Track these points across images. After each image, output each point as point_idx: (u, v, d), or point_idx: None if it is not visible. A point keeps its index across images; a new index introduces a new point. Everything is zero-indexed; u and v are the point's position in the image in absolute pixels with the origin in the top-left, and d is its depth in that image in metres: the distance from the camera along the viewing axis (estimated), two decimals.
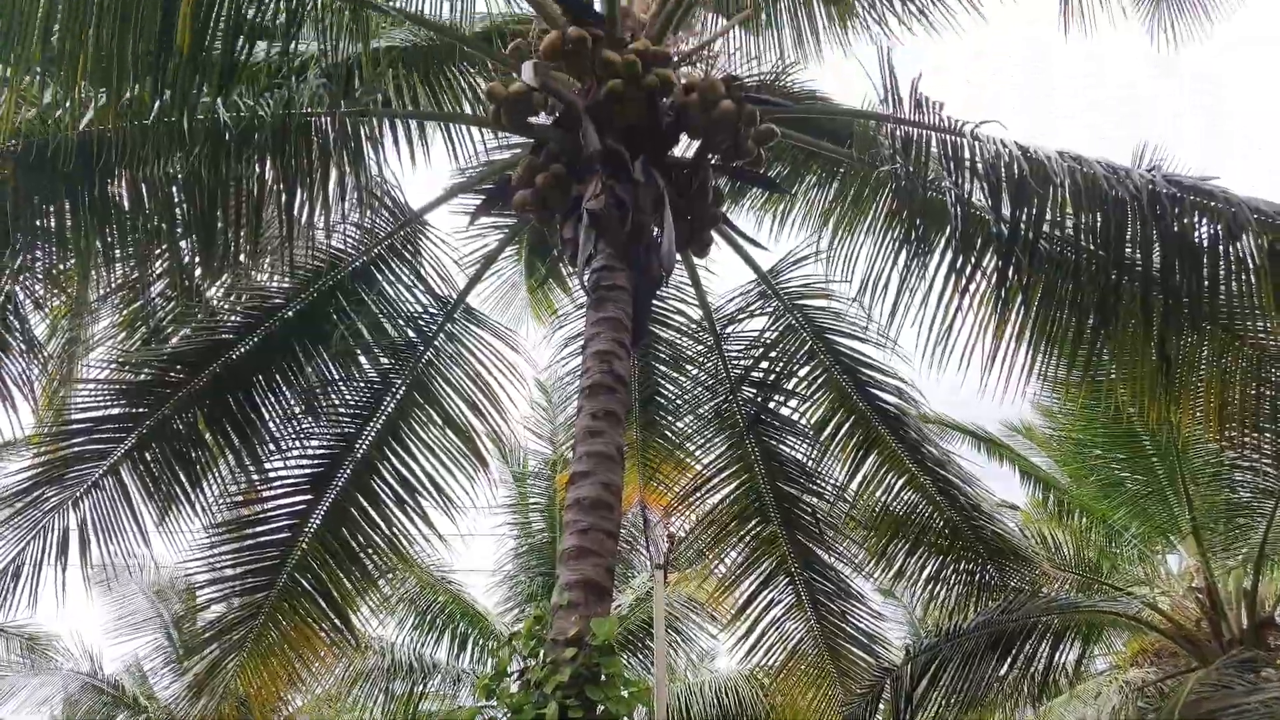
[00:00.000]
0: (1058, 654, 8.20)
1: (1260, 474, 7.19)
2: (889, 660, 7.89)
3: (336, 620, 7.50)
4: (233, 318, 6.81)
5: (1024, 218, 5.17)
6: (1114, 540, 8.90)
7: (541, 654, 4.60)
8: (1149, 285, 5.31)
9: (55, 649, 17.34)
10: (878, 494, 7.59)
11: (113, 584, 16.46)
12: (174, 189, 5.68)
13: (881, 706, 8.22)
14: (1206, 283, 5.21)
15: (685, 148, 6.20)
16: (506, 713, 4.43)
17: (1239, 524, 7.93)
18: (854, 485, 7.59)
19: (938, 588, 8.01)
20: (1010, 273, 5.44)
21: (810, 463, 7.77)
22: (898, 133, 5.45)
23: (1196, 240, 5.18)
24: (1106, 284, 5.37)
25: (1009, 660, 7.73)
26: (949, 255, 5.76)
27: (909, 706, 7.53)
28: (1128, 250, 5.25)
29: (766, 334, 7.52)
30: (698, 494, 8.06)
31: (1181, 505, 7.85)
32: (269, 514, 7.15)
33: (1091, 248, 5.34)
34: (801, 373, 7.56)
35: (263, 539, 7.12)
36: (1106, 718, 9.46)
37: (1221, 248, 5.11)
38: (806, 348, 7.41)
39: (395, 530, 7.30)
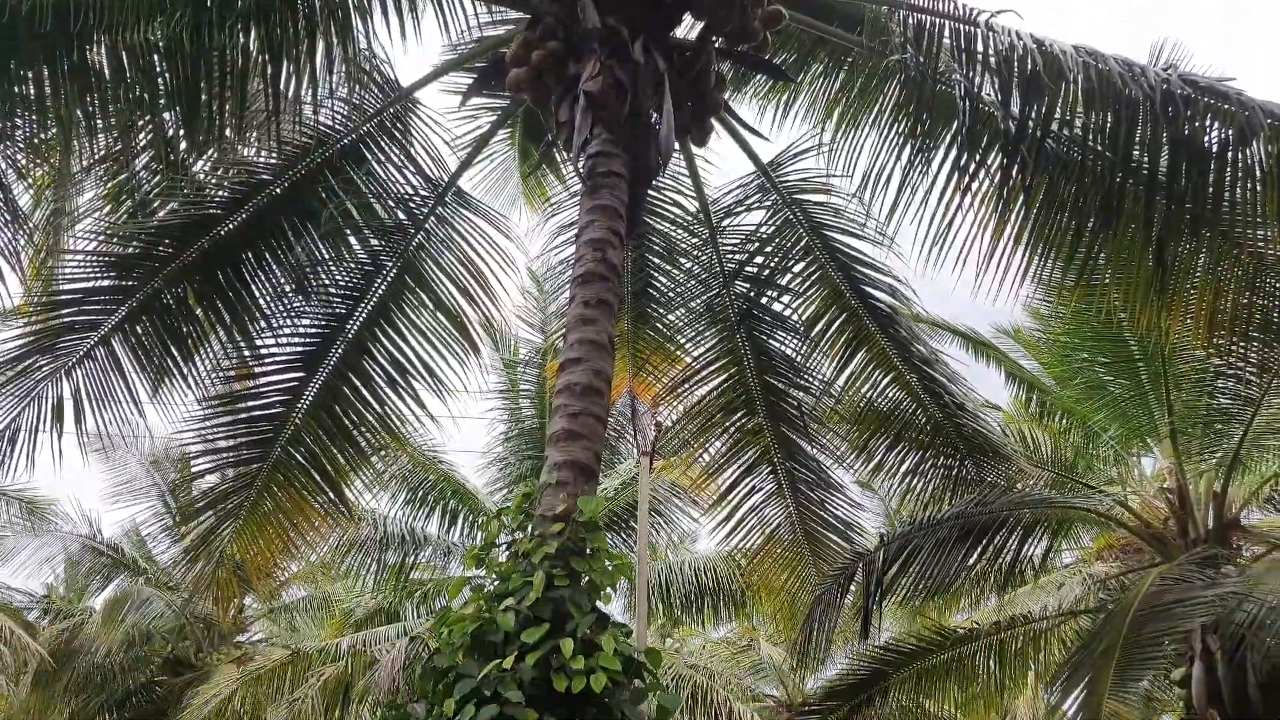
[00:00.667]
0: (1026, 547, 8.46)
1: (1243, 382, 7.28)
2: (863, 547, 8.12)
3: (330, 493, 7.66)
4: (220, 193, 6.71)
5: (1033, 115, 5.07)
6: (1092, 442, 9.07)
7: (529, 528, 4.74)
8: (1153, 189, 5.26)
9: (54, 513, 17.73)
10: (863, 390, 7.68)
11: (109, 452, 16.68)
12: (155, 57, 5.50)
13: (853, 589, 8.50)
14: (1211, 188, 5.16)
15: (688, 28, 6.02)
16: (495, 580, 4.59)
17: (1216, 429, 8.08)
18: (841, 381, 7.67)
19: (915, 481, 8.19)
20: (1015, 172, 5.38)
21: (799, 358, 7.82)
22: (910, 20, 5.30)
23: (1206, 144, 5.11)
24: (1110, 186, 5.32)
25: (979, 551, 7.99)
26: (954, 152, 5.68)
27: (879, 589, 7.80)
28: (1135, 152, 5.19)
29: (763, 228, 7.46)
30: (686, 385, 8.13)
31: (1162, 409, 7.98)
32: (261, 390, 7.20)
33: (1099, 148, 5.27)
34: (796, 268, 7.53)
35: (255, 413, 7.19)
36: (1067, 606, 9.83)
37: (1231, 153, 5.05)
38: (803, 243, 7.37)
39: (387, 410, 7.39)
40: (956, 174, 5.66)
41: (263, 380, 7.22)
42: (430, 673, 4.37)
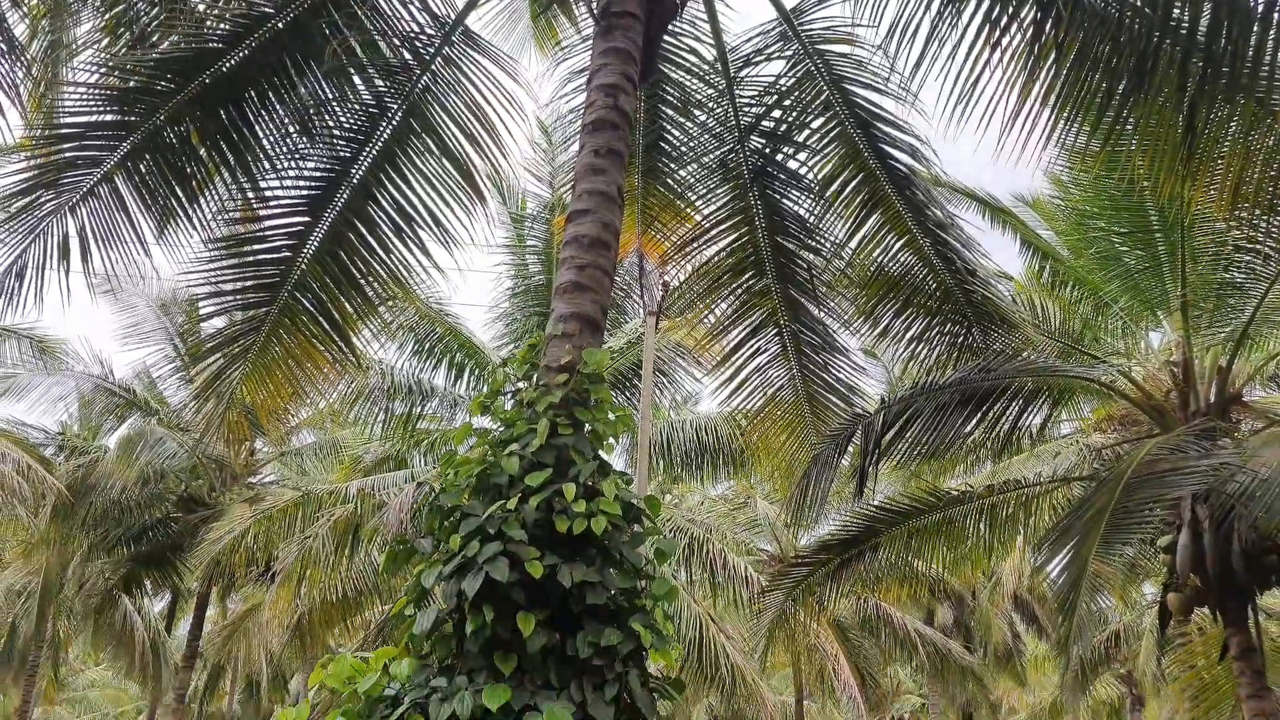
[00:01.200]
0: (1025, 415, 8.54)
1: (1261, 256, 7.19)
2: (864, 409, 8.20)
3: (337, 340, 7.69)
4: (220, 26, 6.47)
5: None
6: (1101, 313, 9.03)
7: (534, 378, 4.79)
8: (1190, 50, 5.04)
9: (65, 352, 17.96)
10: (875, 254, 7.59)
11: (117, 294, 16.80)
12: None
13: (851, 451, 8.64)
14: (1251, 51, 4.94)
15: None
16: (500, 427, 4.67)
17: (1228, 303, 8.02)
18: (853, 243, 7.58)
19: (920, 348, 8.21)
20: (1048, 27, 5.15)
21: (812, 219, 7.70)
22: None
23: (1252, 2, 4.86)
24: (1146, 46, 5.09)
25: (978, 417, 8.06)
26: (985, 3, 5.42)
27: (876, 451, 7.91)
28: (1176, 10, 4.94)
29: (782, 80, 7.20)
30: (695, 244, 8.04)
31: (1175, 282, 7.90)
32: (266, 233, 7.15)
33: (1138, 3, 5.02)
34: (814, 124, 7.32)
35: (261, 257, 7.16)
36: (1062, 474, 10.01)
37: (1277, 14, 4.80)
38: (822, 98, 7.13)
39: (394, 259, 7.34)
40: (987, 27, 5.42)
41: (268, 223, 7.15)
42: (436, 511, 4.49)
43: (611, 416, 4.72)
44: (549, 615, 4.21)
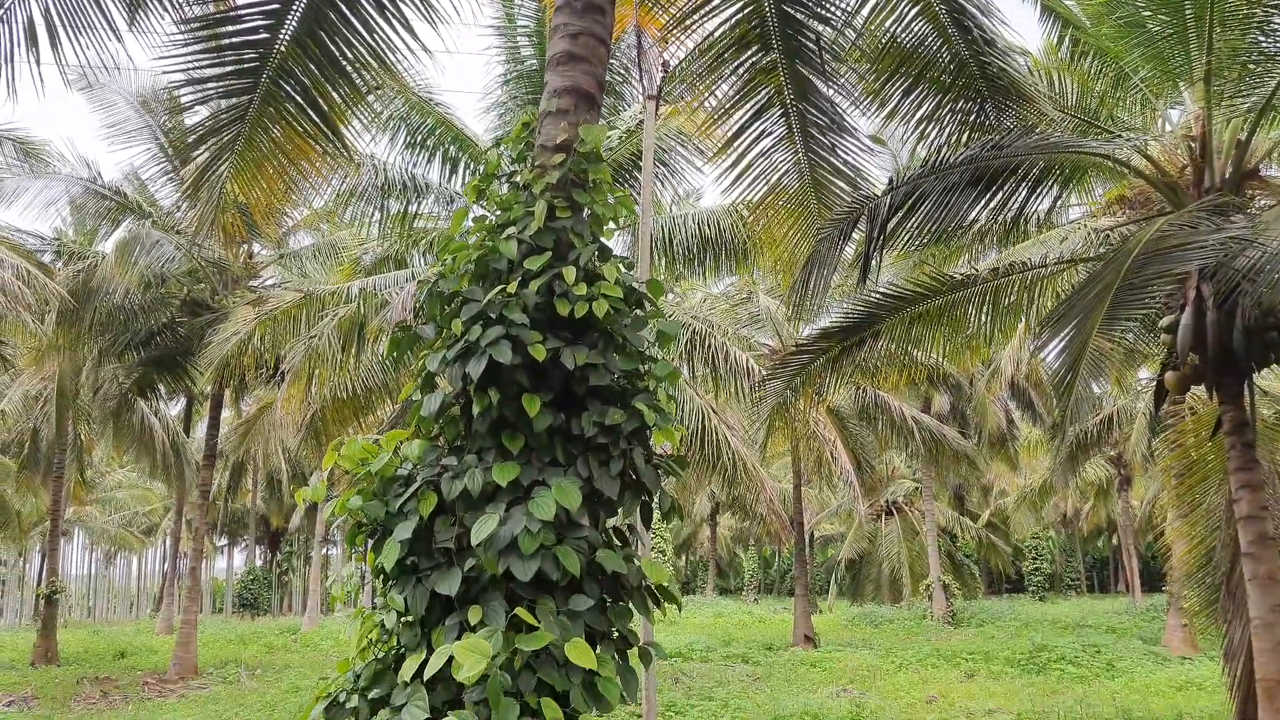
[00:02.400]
0: (1035, 197, 8.30)
1: None
2: (870, 193, 7.99)
3: (326, 131, 7.41)
4: None
5: None
6: (1120, 87, 8.62)
7: (529, 159, 4.61)
8: None
9: (50, 154, 17.51)
10: (887, 23, 7.15)
11: (95, 88, 16.16)
12: None
13: (855, 239, 8.51)
14: None
15: None
16: (495, 211, 4.55)
17: (1254, 73, 7.64)
18: (865, 10, 7.11)
19: (930, 128, 7.89)
20: None
21: None
22: None
23: None
24: None
25: (986, 198, 7.84)
26: None
27: (881, 235, 7.76)
28: None
29: None
30: (697, 16, 7.56)
31: (1200, 49, 7.47)
32: (241, 13, 6.72)
33: None
34: None
35: (238, 40, 6.76)
36: (1067, 254, 9.90)
37: None
38: None
39: (377, 39, 6.94)
40: None
41: (241, 2, 6.71)
42: (436, 297, 4.44)
43: (611, 199, 4.59)
44: (553, 397, 4.24)
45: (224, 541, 57.17)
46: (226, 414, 29.06)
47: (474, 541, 3.84)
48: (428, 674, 3.71)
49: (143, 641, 26.03)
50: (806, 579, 22.76)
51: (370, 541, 4.25)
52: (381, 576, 4.18)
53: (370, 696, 3.98)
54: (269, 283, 21.75)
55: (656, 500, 4.42)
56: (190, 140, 7.62)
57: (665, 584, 4.32)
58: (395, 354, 4.46)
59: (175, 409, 35.08)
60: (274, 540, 52.32)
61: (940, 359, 12.87)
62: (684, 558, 64.75)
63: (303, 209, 18.25)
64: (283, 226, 20.82)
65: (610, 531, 4.43)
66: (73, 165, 18.60)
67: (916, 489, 34.91)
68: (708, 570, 58.35)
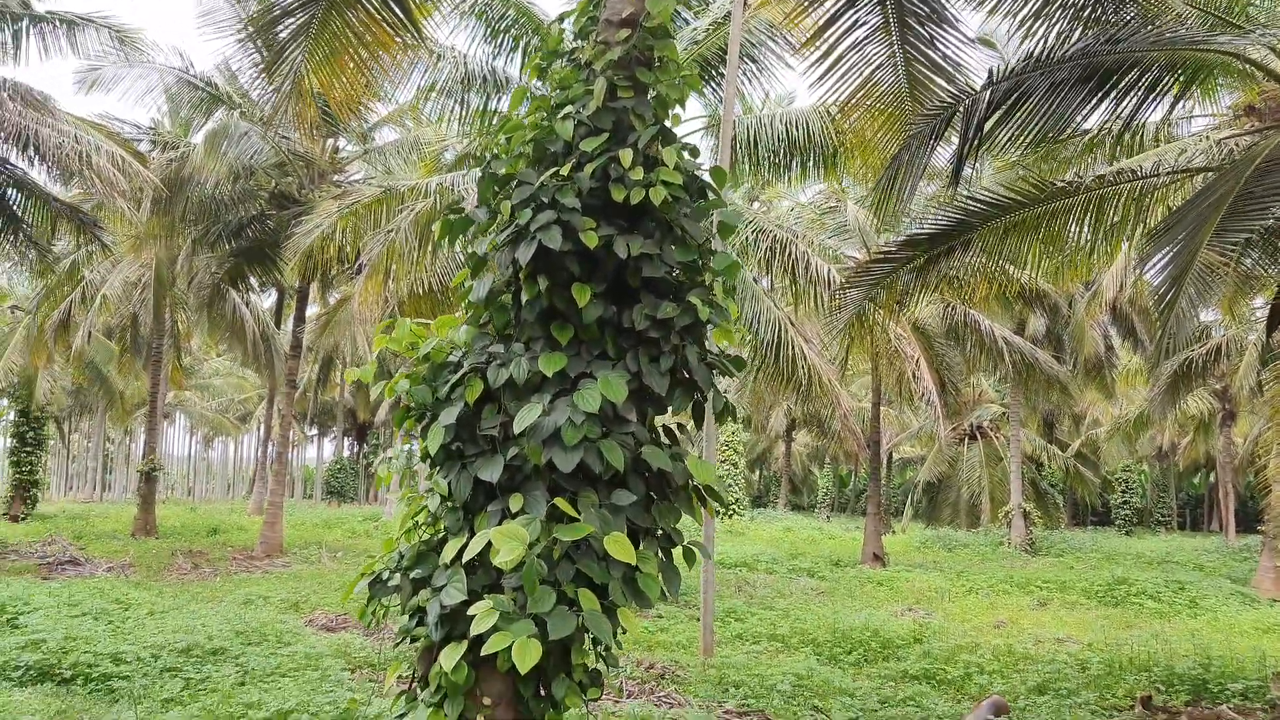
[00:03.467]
0: (1151, 100, 7.60)
1: None
2: (967, 87, 7.43)
3: (401, 16, 7.31)
4: None
5: None
6: None
7: (593, 34, 4.34)
8: None
9: (144, 43, 17.68)
10: None
11: None
12: None
13: (953, 142, 7.98)
14: None
15: None
16: (555, 91, 4.32)
17: None
18: None
19: (1038, 25, 7.30)
20: None
21: None
22: None
23: None
24: None
25: (1097, 97, 7.18)
26: None
27: (978, 135, 7.23)
28: None
29: None
30: None
31: None
32: None
33: None
34: None
35: None
36: (1181, 163, 9.15)
37: None
38: None
39: None
40: None
41: None
42: (490, 179, 4.26)
43: (677, 79, 4.30)
44: (605, 288, 4.06)
45: (314, 432, 59.46)
46: (315, 310, 29.80)
47: (516, 430, 3.74)
48: (466, 557, 3.66)
49: (235, 521, 27.38)
50: (880, 498, 22.52)
51: (420, 426, 4.20)
52: (429, 461, 4.13)
53: (413, 576, 3.97)
54: (355, 178, 21.92)
55: (710, 400, 4.24)
56: (264, 21, 7.50)
57: (712, 484, 4.17)
58: (448, 238, 4.30)
59: (267, 302, 36.15)
60: (361, 432, 54.18)
61: (1036, 276, 12.25)
62: (758, 472, 65.01)
63: (386, 104, 18.19)
64: (367, 121, 20.85)
65: (660, 430, 4.29)
66: (165, 54, 18.86)
67: (1003, 414, 34.06)
68: (780, 486, 58.51)
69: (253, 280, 23.60)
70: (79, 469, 64.53)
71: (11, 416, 27.21)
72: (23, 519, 25.67)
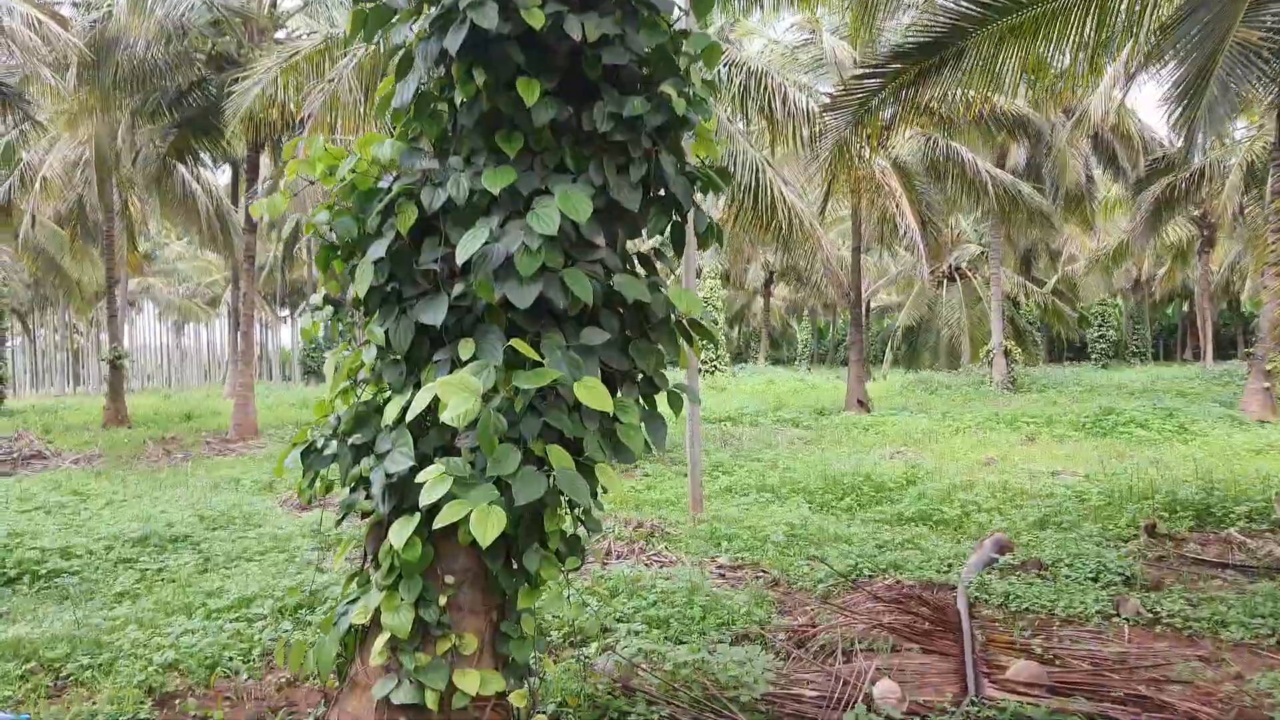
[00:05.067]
0: None
1: None
2: None
3: None
4: None
5: None
6: None
7: None
8: None
9: None
10: None
11: None
12: None
13: None
14: None
15: None
16: None
17: None
18: None
19: None
20: None
21: None
22: None
23: None
24: None
25: None
26: None
27: None
28: None
29: None
30: None
31: None
32: None
33: None
34: None
35: None
36: None
37: None
38: None
39: None
40: None
41: None
42: None
43: None
44: (559, 84, 3.33)
45: (285, 312, 58.44)
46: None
47: (460, 261, 3.09)
48: (410, 416, 3.08)
49: (209, 405, 26.88)
50: (863, 343, 22.18)
51: (348, 267, 3.54)
52: (361, 307, 3.50)
53: (352, 442, 3.39)
54: (298, 34, 20.39)
55: (690, 218, 3.59)
56: None
57: (698, 317, 3.57)
58: (361, 35, 3.52)
59: (224, 180, 34.61)
60: (336, 308, 53.20)
61: (1030, 92, 11.41)
62: (736, 329, 64.89)
63: None
64: None
65: (634, 258, 3.66)
66: None
67: (981, 254, 33.59)
68: (760, 341, 58.45)
69: (202, 155, 22.29)
70: (48, 364, 63.50)
71: None
72: None
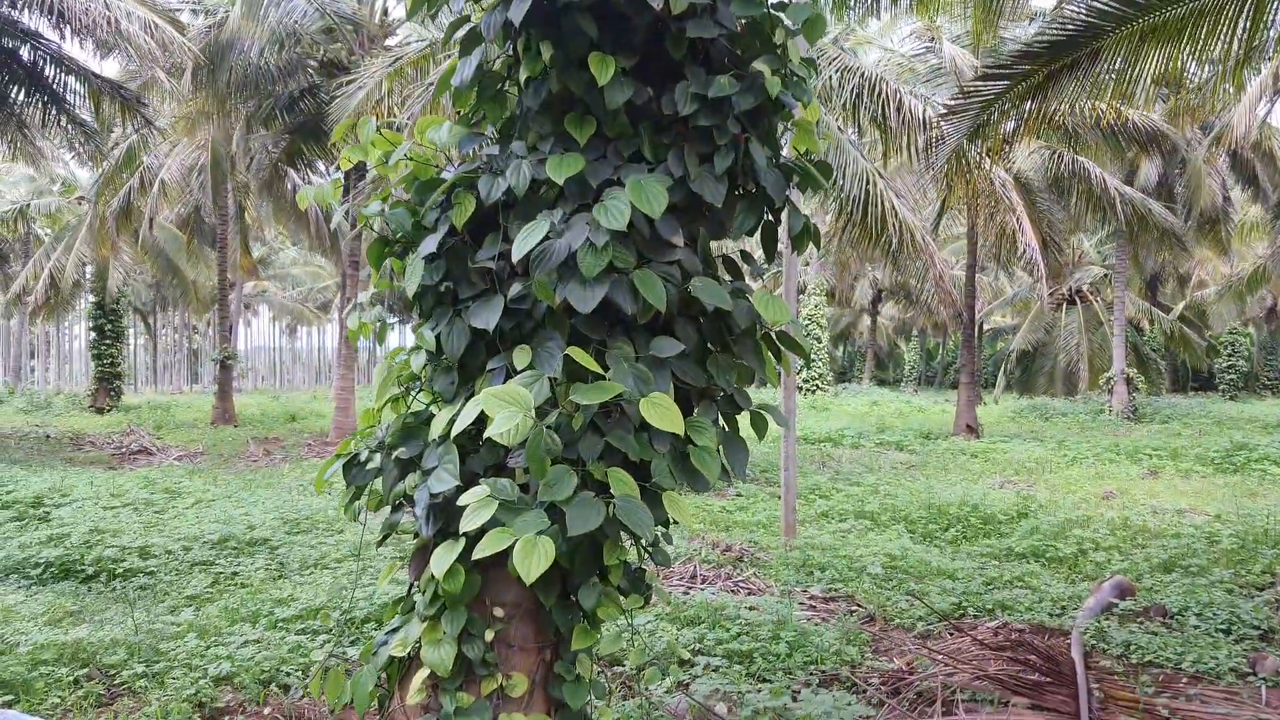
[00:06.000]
0: None
1: None
2: None
3: None
4: None
5: None
6: None
7: None
8: None
9: None
10: None
11: None
12: None
13: None
14: None
15: None
16: None
17: None
18: None
19: None
20: None
21: None
22: None
23: None
24: None
25: None
26: None
27: None
28: None
29: None
30: None
31: None
32: None
33: None
34: None
35: None
36: None
37: None
38: None
39: None
40: None
41: None
42: None
43: None
44: (637, 62, 2.95)
45: (395, 319, 59.83)
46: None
47: (515, 255, 2.73)
48: (456, 430, 2.73)
49: (314, 408, 27.50)
50: (974, 365, 21.15)
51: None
52: (414, 308, 3.18)
53: (398, 456, 3.07)
54: (409, 42, 20.68)
55: (785, 217, 3.15)
56: None
57: (789, 330, 3.13)
58: (425, 5, 3.21)
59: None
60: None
61: (1173, 97, 10.53)
62: (841, 348, 63.51)
63: None
64: None
65: (716, 260, 3.25)
66: None
67: (1104, 276, 31.89)
68: (865, 361, 56.99)
69: (315, 161, 22.82)
70: (167, 362, 66.50)
71: (85, 306, 27.45)
72: (107, 411, 26.11)
